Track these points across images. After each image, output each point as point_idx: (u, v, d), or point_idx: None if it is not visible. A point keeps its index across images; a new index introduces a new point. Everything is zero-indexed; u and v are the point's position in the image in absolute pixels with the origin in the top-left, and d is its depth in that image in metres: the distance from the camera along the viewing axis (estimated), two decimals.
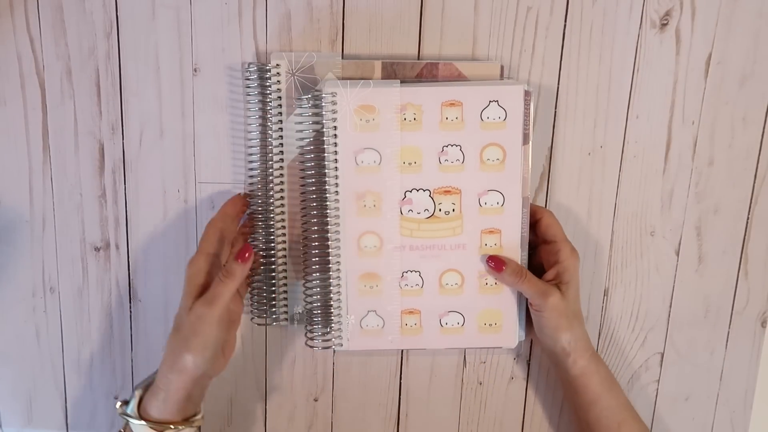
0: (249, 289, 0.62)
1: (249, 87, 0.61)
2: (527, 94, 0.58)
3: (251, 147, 0.62)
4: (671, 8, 0.60)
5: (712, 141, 0.62)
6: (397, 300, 0.61)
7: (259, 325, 0.65)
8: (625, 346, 0.66)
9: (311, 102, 0.58)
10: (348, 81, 0.57)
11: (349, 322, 0.61)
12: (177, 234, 0.64)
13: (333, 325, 0.61)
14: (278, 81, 0.60)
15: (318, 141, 0.59)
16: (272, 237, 0.62)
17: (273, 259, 0.63)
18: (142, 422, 0.55)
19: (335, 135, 0.57)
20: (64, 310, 0.66)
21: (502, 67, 0.60)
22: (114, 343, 0.67)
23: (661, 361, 0.67)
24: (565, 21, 0.61)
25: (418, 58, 0.61)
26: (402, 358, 0.66)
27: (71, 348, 0.67)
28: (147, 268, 0.65)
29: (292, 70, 0.60)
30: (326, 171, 0.58)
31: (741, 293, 0.65)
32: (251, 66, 0.60)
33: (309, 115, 0.59)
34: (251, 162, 0.62)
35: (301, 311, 0.63)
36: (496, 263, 0.59)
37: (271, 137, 0.61)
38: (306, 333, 0.62)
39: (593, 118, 0.62)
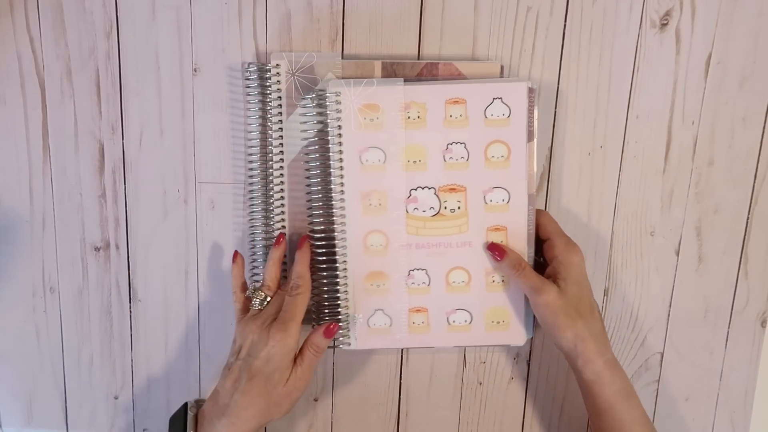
0: None
1: (249, 87, 0.61)
2: (531, 90, 0.58)
3: (251, 147, 0.62)
4: (671, 8, 0.60)
5: (712, 141, 0.62)
6: (404, 298, 0.60)
7: None
8: (625, 346, 0.66)
9: (315, 101, 0.58)
10: (351, 80, 0.57)
11: (357, 321, 0.61)
12: (177, 234, 0.64)
13: (341, 324, 0.61)
14: (278, 81, 0.60)
15: (322, 140, 0.59)
16: (272, 237, 0.62)
17: None
18: None
19: (340, 134, 0.58)
20: (64, 310, 0.66)
21: (502, 67, 0.60)
22: (114, 343, 0.67)
23: (661, 361, 0.67)
24: (565, 21, 0.61)
25: (418, 58, 0.61)
26: (402, 357, 0.66)
27: (71, 348, 0.67)
28: (147, 268, 0.65)
29: (292, 70, 0.60)
30: (331, 170, 0.58)
31: (741, 293, 0.65)
32: (251, 66, 0.60)
33: (313, 114, 0.59)
34: (251, 162, 0.62)
35: None
36: (497, 252, 0.59)
37: (271, 137, 0.61)
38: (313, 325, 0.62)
39: (593, 118, 0.62)
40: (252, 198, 0.63)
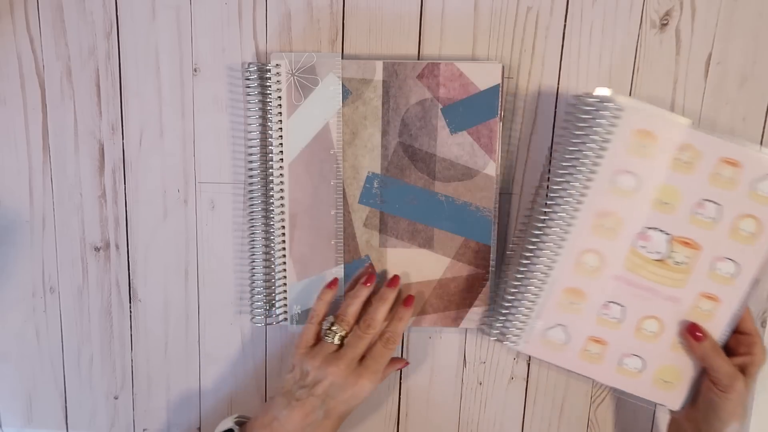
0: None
1: (249, 87, 0.61)
2: None
3: (251, 147, 0.62)
4: (671, 8, 0.60)
5: None
6: (591, 325, 0.59)
7: (258, 325, 0.65)
8: None
9: (589, 109, 0.55)
10: (638, 100, 0.55)
11: (535, 326, 0.60)
12: (177, 234, 0.64)
13: (515, 322, 0.60)
14: (278, 81, 0.60)
15: (576, 149, 0.56)
16: (272, 237, 0.62)
17: (273, 259, 0.63)
18: None
19: (602, 148, 0.55)
20: (64, 310, 0.66)
21: (503, 67, 0.60)
22: (114, 343, 0.67)
23: None
24: (565, 21, 0.61)
25: (418, 58, 0.61)
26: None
27: (71, 348, 0.67)
28: (147, 268, 0.65)
29: (292, 70, 0.60)
30: (576, 178, 0.56)
31: None
32: (251, 66, 0.60)
33: (574, 122, 0.57)
34: (251, 162, 0.62)
35: (300, 312, 0.63)
36: (697, 332, 0.57)
37: (271, 137, 0.61)
38: (485, 317, 0.63)
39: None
40: (252, 198, 0.63)
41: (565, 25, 0.61)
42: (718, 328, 0.58)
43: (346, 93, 0.60)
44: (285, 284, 0.63)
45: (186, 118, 0.63)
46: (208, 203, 0.64)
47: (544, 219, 0.58)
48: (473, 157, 0.61)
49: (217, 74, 0.62)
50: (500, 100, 0.60)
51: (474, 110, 0.60)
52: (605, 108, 0.54)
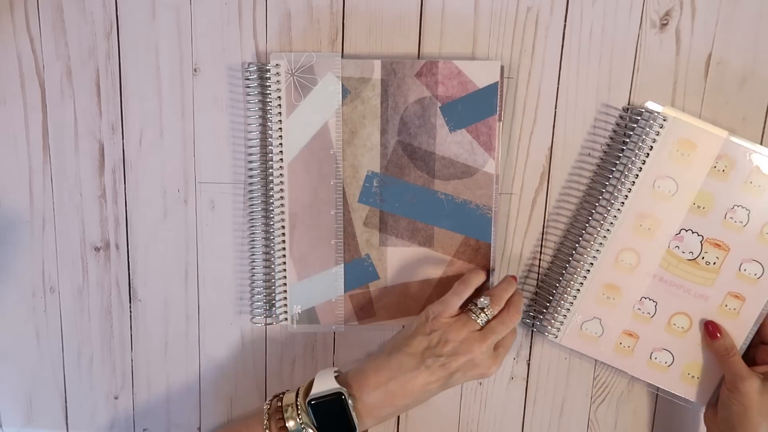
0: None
1: (249, 87, 0.61)
2: None
3: (251, 147, 0.62)
4: (671, 8, 0.60)
5: None
6: (626, 319, 0.62)
7: (258, 325, 0.65)
8: None
9: (639, 119, 0.60)
10: (681, 112, 0.60)
11: (574, 319, 0.63)
12: (177, 234, 0.64)
13: (558, 316, 0.63)
14: (278, 81, 0.60)
15: (625, 155, 0.60)
16: (272, 236, 0.62)
17: (273, 259, 0.63)
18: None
19: (647, 154, 0.59)
20: (64, 310, 0.66)
21: (502, 67, 0.60)
22: (114, 343, 0.67)
23: None
24: (565, 21, 0.61)
25: (418, 58, 0.61)
26: None
27: (71, 348, 0.67)
28: (147, 268, 0.65)
29: (292, 70, 0.60)
30: (622, 182, 0.60)
31: None
32: (251, 66, 0.60)
33: (616, 132, 0.61)
34: (251, 162, 0.62)
35: (299, 311, 0.63)
36: (712, 328, 0.60)
37: (271, 137, 0.61)
38: (529, 312, 0.64)
39: (593, 118, 0.62)
40: (252, 198, 0.63)
41: (565, 25, 0.61)
42: (743, 326, 0.61)
43: (344, 92, 0.60)
44: (285, 284, 0.63)
45: (186, 118, 0.63)
46: (208, 203, 0.64)
47: (591, 220, 0.62)
48: (472, 155, 0.61)
49: (217, 74, 0.62)
50: (499, 97, 0.60)
51: (473, 108, 0.60)
52: (654, 119, 0.59)
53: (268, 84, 0.60)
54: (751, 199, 0.59)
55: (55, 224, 0.65)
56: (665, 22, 0.60)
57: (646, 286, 0.62)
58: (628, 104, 0.61)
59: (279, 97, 0.60)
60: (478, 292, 0.59)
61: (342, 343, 0.66)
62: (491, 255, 0.62)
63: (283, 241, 0.62)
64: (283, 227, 0.62)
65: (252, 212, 0.63)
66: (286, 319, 0.63)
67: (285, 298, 0.63)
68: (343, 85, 0.60)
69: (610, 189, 0.61)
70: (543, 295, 0.64)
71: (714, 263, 0.60)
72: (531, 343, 0.66)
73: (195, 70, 0.62)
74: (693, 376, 0.62)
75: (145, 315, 0.66)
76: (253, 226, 0.63)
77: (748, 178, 0.59)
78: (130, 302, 0.66)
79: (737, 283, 0.60)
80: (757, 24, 0.60)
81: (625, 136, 0.61)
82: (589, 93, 0.61)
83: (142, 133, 0.63)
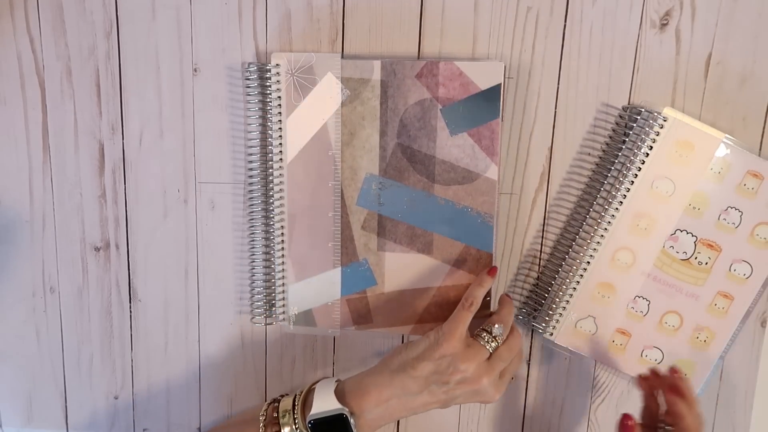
0: None
1: (249, 87, 0.61)
2: None
3: (251, 147, 0.62)
4: (671, 8, 0.60)
5: None
6: (619, 317, 0.63)
7: (258, 325, 0.65)
8: None
9: (638, 119, 0.60)
10: (681, 113, 0.60)
11: (568, 317, 0.63)
12: (177, 234, 0.64)
13: (554, 314, 0.63)
14: (278, 81, 0.60)
15: (624, 155, 0.60)
16: (272, 237, 0.62)
17: (272, 259, 0.63)
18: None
19: (647, 154, 0.60)
20: (64, 310, 0.66)
21: (505, 67, 0.60)
22: (114, 343, 0.67)
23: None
24: (565, 21, 0.60)
25: (418, 59, 0.61)
26: None
27: (71, 348, 0.67)
28: (147, 268, 0.65)
29: (292, 71, 0.60)
30: (620, 181, 0.60)
31: None
32: (251, 66, 0.60)
33: (615, 131, 0.61)
34: (251, 162, 0.62)
35: (297, 312, 0.63)
36: (678, 387, 0.55)
37: (271, 137, 0.61)
38: (524, 310, 0.64)
39: (593, 118, 0.62)
40: (252, 198, 0.63)
41: (565, 25, 0.61)
42: (730, 324, 0.62)
43: (344, 93, 0.60)
44: (284, 284, 0.63)
45: (186, 118, 0.63)
46: (208, 203, 0.64)
47: (589, 218, 0.62)
48: (474, 159, 0.60)
49: (217, 74, 0.62)
50: (502, 100, 0.60)
51: (475, 111, 0.59)
52: (654, 119, 0.59)
53: (268, 84, 0.60)
54: (743, 201, 0.60)
55: (55, 224, 0.65)
56: (665, 22, 0.60)
57: (641, 285, 0.62)
58: (628, 104, 0.61)
59: (279, 97, 0.60)
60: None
61: (342, 343, 0.66)
62: (492, 263, 0.62)
63: (282, 242, 0.62)
64: (283, 227, 0.62)
65: (252, 212, 0.63)
66: (284, 319, 0.63)
67: (284, 298, 0.63)
68: (342, 86, 0.60)
69: (609, 188, 0.61)
70: (540, 293, 0.64)
71: (706, 263, 0.61)
72: (531, 343, 0.66)
73: (195, 70, 0.62)
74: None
75: (145, 315, 0.66)
76: (253, 226, 0.63)
77: (742, 180, 0.60)
78: (130, 302, 0.66)
79: (727, 283, 0.62)
80: (757, 24, 0.60)
81: (624, 135, 0.61)
82: (589, 93, 0.61)
83: (142, 133, 0.63)
